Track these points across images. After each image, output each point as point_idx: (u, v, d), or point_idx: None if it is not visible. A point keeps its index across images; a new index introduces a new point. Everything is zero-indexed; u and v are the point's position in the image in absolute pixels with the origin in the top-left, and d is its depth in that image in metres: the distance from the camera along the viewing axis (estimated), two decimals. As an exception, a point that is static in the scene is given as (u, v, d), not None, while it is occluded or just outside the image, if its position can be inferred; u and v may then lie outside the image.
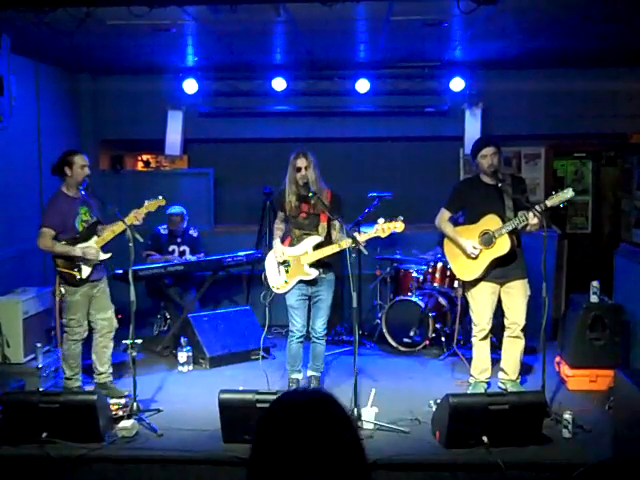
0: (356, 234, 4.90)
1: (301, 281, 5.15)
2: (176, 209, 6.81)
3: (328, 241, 5.14)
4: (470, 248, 5.01)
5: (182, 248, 6.86)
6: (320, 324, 5.22)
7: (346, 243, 4.87)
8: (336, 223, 5.10)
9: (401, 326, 6.53)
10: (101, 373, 5.36)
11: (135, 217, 5.15)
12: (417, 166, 7.91)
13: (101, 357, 5.35)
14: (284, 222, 5.28)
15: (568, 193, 4.72)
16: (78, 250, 5.14)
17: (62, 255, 5.13)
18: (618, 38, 5.93)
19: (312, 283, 5.17)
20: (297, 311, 5.20)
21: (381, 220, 4.93)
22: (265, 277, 5.29)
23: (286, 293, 5.21)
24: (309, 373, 5.37)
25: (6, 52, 5.16)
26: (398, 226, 4.90)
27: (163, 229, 6.86)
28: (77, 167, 5.20)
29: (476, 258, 5.02)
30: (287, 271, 5.16)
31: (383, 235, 4.93)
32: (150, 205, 5.27)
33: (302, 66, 7.32)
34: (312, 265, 5.10)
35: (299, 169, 5.04)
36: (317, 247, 5.10)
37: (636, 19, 5.15)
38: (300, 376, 5.36)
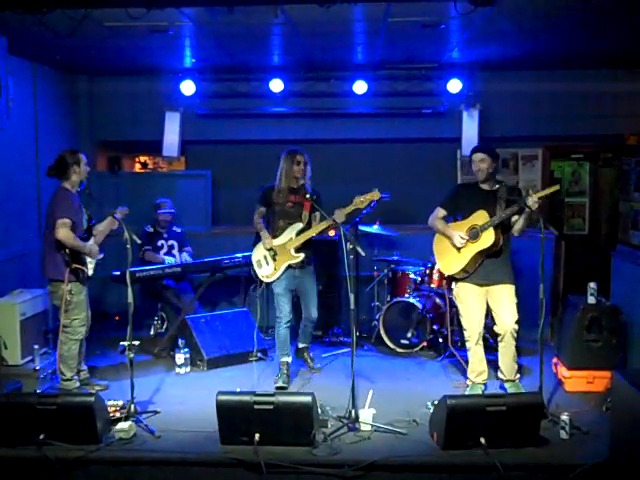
0: (336, 211, 5.27)
1: (289, 266, 5.51)
2: (162, 199, 7.14)
3: (308, 229, 5.57)
4: (457, 237, 5.08)
5: (170, 242, 7.05)
6: (314, 310, 5.69)
7: (325, 223, 5.36)
8: (317, 215, 5.59)
9: (398, 327, 6.54)
10: (81, 371, 5.46)
11: (115, 221, 5.27)
12: (414, 167, 7.92)
13: (82, 355, 5.46)
14: (262, 217, 5.69)
15: (553, 187, 4.86)
16: (88, 247, 5.20)
17: (72, 251, 5.12)
18: (615, 40, 5.94)
19: (299, 266, 5.54)
20: (284, 298, 5.57)
21: (356, 196, 5.27)
22: (254, 272, 5.67)
23: (275, 282, 5.55)
24: (300, 345, 5.93)
25: (3, 53, 5.17)
26: (375, 195, 5.25)
27: (148, 228, 7.04)
28: (83, 165, 5.25)
29: (461, 250, 5.09)
30: (275, 259, 5.52)
31: (362, 206, 5.34)
32: (119, 212, 5.35)
33: (299, 68, 7.33)
34: (298, 250, 5.49)
35: (299, 162, 5.50)
36: (300, 233, 5.52)
37: (633, 20, 5.17)
38: (289, 359, 5.61)
